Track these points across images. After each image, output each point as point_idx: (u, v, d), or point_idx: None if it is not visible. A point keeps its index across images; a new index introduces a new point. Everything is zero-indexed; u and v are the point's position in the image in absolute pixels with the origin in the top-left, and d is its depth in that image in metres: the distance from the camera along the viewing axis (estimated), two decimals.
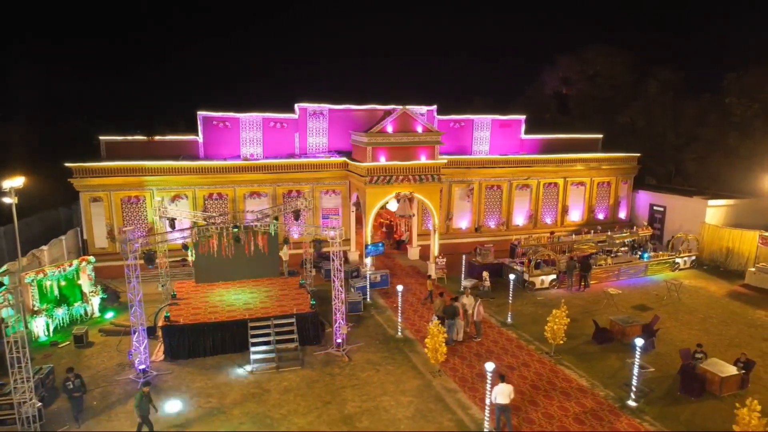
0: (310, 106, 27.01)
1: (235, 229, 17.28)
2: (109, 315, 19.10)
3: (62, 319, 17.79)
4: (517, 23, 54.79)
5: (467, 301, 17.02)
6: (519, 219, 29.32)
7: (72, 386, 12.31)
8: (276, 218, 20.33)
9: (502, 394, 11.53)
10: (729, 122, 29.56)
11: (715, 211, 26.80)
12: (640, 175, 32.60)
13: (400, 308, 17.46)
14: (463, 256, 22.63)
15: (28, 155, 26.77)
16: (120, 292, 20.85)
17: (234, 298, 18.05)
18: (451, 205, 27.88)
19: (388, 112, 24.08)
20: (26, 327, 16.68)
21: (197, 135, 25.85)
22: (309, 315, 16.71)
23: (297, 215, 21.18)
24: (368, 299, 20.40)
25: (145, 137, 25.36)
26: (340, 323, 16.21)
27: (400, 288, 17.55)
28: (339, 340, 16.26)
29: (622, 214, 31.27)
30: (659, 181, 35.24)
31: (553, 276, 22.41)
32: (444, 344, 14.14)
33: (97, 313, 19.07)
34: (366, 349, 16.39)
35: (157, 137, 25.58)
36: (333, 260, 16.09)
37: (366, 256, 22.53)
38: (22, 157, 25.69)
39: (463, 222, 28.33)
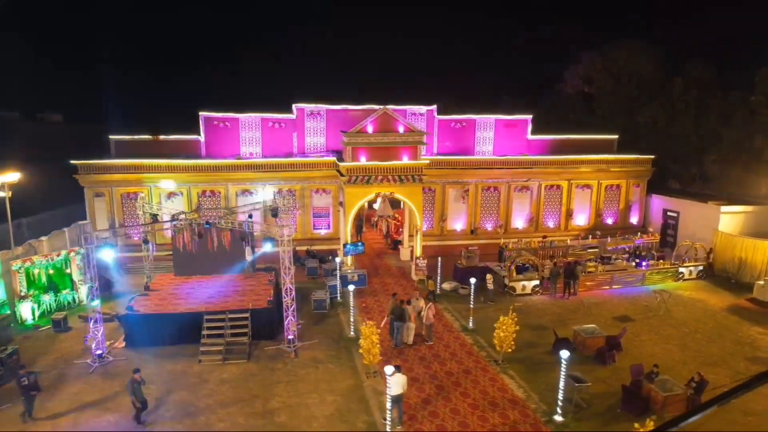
0: (308, 107, 27.50)
1: (208, 225, 17.99)
2: (95, 303, 20.36)
3: (49, 305, 19.20)
4: (543, 18, 52.90)
5: (420, 304, 16.80)
6: (518, 222, 28.45)
7: (27, 382, 12.43)
8: (250, 216, 20.96)
9: (396, 384, 11.43)
10: (756, 123, 27.24)
11: (731, 218, 24.78)
12: (660, 178, 30.71)
13: (353, 310, 17.51)
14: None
15: (58, 150, 28.97)
16: (113, 281, 22.26)
17: (201, 292, 18.78)
18: (446, 207, 27.49)
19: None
20: (12, 310, 18.28)
21: (199, 135, 27.01)
22: (264, 311, 17.10)
23: (275, 213, 21.67)
24: (338, 298, 20.55)
25: (150, 137, 26.83)
26: (291, 320, 16.49)
27: (351, 288, 17.59)
28: (290, 337, 16.54)
29: (634, 219, 29.56)
30: (683, 185, 32.99)
31: (536, 282, 21.61)
32: (378, 345, 14.09)
33: (85, 301, 20.42)
34: (317, 347, 16.58)
35: (162, 137, 26.96)
36: (283, 259, 16.37)
37: (344, 255, 22.70)
38: (54, 151, 27.86)
39: (458, 224, 27.86)
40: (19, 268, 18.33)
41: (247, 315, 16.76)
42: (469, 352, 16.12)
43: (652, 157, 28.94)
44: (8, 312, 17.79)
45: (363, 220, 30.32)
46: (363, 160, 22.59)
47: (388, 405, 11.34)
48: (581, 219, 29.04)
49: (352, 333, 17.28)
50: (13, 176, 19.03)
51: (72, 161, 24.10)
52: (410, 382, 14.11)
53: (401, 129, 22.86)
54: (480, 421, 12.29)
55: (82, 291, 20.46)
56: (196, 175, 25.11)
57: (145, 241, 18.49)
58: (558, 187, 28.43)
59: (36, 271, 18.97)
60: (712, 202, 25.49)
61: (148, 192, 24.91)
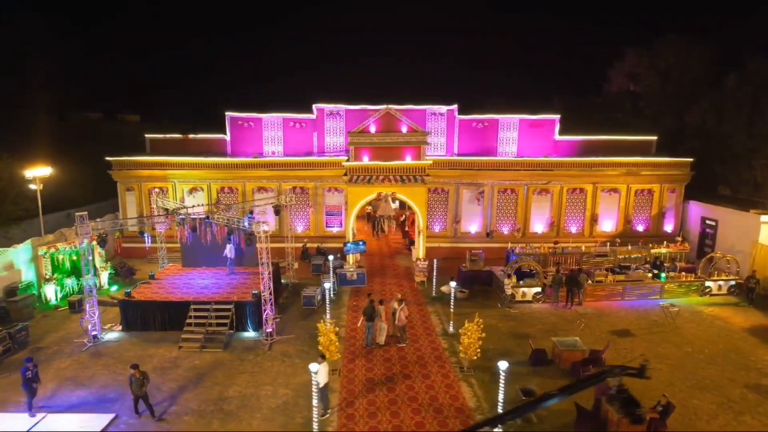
0: (327, 107, 28.09)
1: (207, 221, 19.04)
2: (113, 288, 22.21)
3: (71, 288, 21.20)
4: (589, 15, 50.15)
5: (394, 305, 16.71)
6: (538, 226, 27.27)
7: (30, 375, 12.64)
8: (251, 212, 21.84)
9: (320, 373, 11.57)
10: None
11: None
12: (708, 183, 28.08)
13: (327, 307, 17.73)
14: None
15: (132, 147, 31.75)
16: (136, 270, 24.12)
17: (198, 282, 19.88)
18: (460, 208, 26.96)
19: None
20: (38, 291, 20.40)
21: (225, 134, 28.50)
22: (248, 303, 17.79)
23: (277, 211, 22.43)
24: (332, 295, 20.85)
25: (180, 136, 28.73)
26: (269, 314, 17.04)
27: (327, 287, 17.79)
28: (269, 330, 17.11)
29: (669, 227, 27.29)
30: (734, 191, 29.94)
31: (538, 289, 20.68)
32: (336, 342, 14.29)
33: (105, 286, 22.32)
34: (292, 342, 17.01)
35: (191, 135, 28.77)
36: (261, 255, 16.94)
37: (345, 253, 22.99)
38: (128, 148, 30.50)
39: (472, 226, 27.22)
40: (45, 253, 20.41)
41: (230, 306, 17.54)
42: (439, 357, 15.81)
43: (690, 160, 26.55)
44: (33, 292, 19.87)
45: (381, 220, 30.46)
46: (365, 160, 22.75)
47: (314, 398, 11.51)
48: (608, 225, 27.30)
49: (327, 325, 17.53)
50: (44, 170, 21.20)
51: (107, 158, 26.35)
52: (364, 382, 14.21)
53: (404, 129, 22.75)
54: (416, 427, 12.08)
55: (103, 276, 22.39)
56: (215, 172, 26.52)
57: (141, 233, 19.85)
58: (581, 190, 26.92)
59: (60, 257, 21.02)
60: (754, 211, 22.98)
61: (172, 187, 26.68)
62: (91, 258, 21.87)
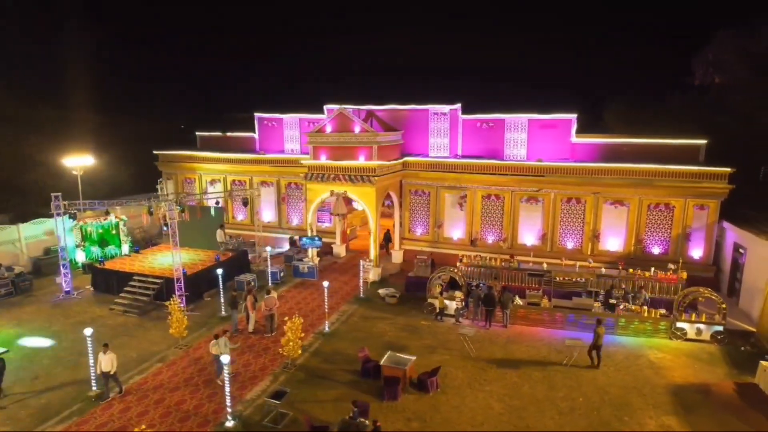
0: (337, 107, 29.45)
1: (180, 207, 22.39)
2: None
3: (96, 255, 26.66)
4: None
5: (273, 296, 17.65)
6: (528, 238, 24.53)
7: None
8: (217, 202, 24.53)
9: (104, 362, 13.25)
10: None
11: None
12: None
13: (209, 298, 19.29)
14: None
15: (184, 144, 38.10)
16: (159, 242, 28.98)
17: (166, 260, 23.28)
18: (441, 213, 25.81)
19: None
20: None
21: (254, 132, 32.01)
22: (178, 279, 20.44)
23: (245, 202, 24.76)
24: (270, 284, 22.32)
25: (220, 133, 33.21)
26: (179, 291, 19.41)
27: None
28: (182, 305, 19.49)
29: (697, 253, 21.90)
30: None
31: (456, 303, 19.13)
32: (186, 321, 16.08)
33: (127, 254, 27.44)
34: (192, 318, 18.99)
35: (229, 133, 33.03)
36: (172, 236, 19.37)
37: (302, 247, 24.21)
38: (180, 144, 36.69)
39: (455, 232, 25.80)
40: (74, 225, 26.11)
41: (161, 282, 20.43)
42: (278, 352, 15.93)
43: (728, 170, 20.90)
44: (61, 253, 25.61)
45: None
46: (323, 159, 23.60)
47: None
48: (613, 243, 23.17)
49: (223, 312, 19.21)
50: (87, 160, 27.03)
51: (154, 151, 31.98)
52: (194, 362, 15.54)
53: (357, 129, 22.93)
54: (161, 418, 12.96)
55: (125, 248, 27.55)
56: (228, 166, 30.06)
57: (150, 213, 23.73)
58: (578, 200, 23.37)
59: (89, 229, 26.61)
60: None
61: (198, 178, 31.10)
62: (115, 232, 27.33)
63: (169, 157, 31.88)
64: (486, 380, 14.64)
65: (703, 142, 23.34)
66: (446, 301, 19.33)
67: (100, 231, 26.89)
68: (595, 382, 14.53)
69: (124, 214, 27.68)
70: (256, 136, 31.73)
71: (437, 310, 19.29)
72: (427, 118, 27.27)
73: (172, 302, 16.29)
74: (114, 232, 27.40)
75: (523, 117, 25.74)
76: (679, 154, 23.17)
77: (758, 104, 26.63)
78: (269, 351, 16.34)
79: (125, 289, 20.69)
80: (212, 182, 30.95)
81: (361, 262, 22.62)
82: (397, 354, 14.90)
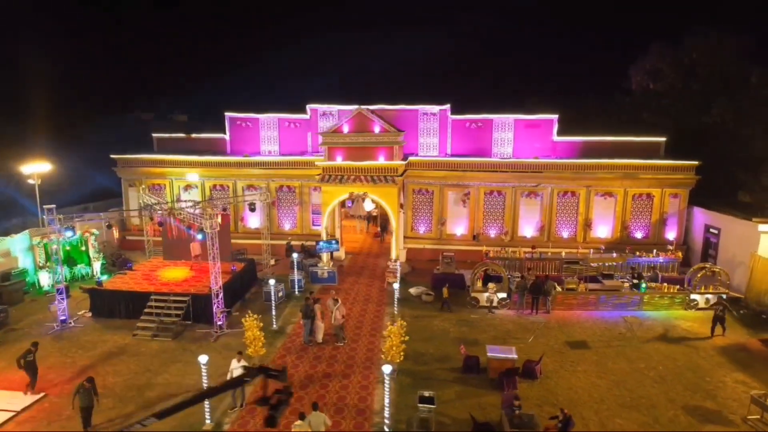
0: (321, 107, 28.59)
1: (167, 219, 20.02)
2: (104, 277, 23.73)
3: (64, 275, 22.84)
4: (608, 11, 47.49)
5: (330, 304, 16.85)
6: (527, 230, 26.34)
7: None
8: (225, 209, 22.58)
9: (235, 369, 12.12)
10: None
11: None
12: (727, 190, 25.84)
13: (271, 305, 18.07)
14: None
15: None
16: (132, 262, 25.62)
17: (168, 275, 20.88)
18: (444, 210, 26.56)
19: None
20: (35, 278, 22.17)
21: (225, 133, 29.68)
22: (205, 296, 18.51)
23: (252, 207, 23.13)
24: (296, 292, 21.26)
25: (183, 135, 30.24)
26: (217, 307, 17.66)
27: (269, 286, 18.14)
28: (219, 323, 17.75)
29: (671, 235, 25.47)
30: (754, 199, 27.39)
31: (504, 294, 20.05)
32: (262, 338, 14.71)
33: (98, 274, 23.90)
34: (239, 335, 17.30)
35: (193, 135, 30.22)
36: (210, 249, 17.56)
37: (317, 252, 23.32)
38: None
39: (458, 228, 26.73)
40: (38, 243, 22.19)
41: (187, 299, 18.33)
42: (370, 358, 15.74)
43: (695, 163, 24.64)
44: (24, 278, 21.62)
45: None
46: (339, 160, 22.96)
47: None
48: (603, 231, 25.91)
49: (275, 326, 17.94)
50: (43, 167, 23.04)
51: (112, 155, 28.19)
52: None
53: (377, 129, 22.74)
54: None
55: (96, 266, 24.01)
56: (208, 170, 27.65)
57: (108, 227, 21.13)
58: (573, 194, 25.72)
59: (54, 246, 22.72)
60: (755, 219, 21.07)
61: (169, 184, 28.12)
62: (84, 249, 23.72)
63: (131, 162, 28.32)
64: (572, 362, 15.70)
65: (663, 139, 27.05)
66: (487, 294, 20.11)
67: (67, 248, 23.18)
68: (660, 352, 16.37)
69: (94, 228, 24.10)
70: (227, 137, 29.62)
71: (482, 304, 20.01)
72: (416, 117, 27.82)
73: (247, 318, 14.84)
74: (83, 248, 23.78)
75: (510, 117, 27.53)
76: (644, 150, 26.58)
77: (687, 108, 31.48)
78: (354, 359, 15.72)
79: (144, 311, 18.20)
80: (186, 188, 28.19)
81: (390, 265, 22.52)
82: (497, 347, 15.33)
